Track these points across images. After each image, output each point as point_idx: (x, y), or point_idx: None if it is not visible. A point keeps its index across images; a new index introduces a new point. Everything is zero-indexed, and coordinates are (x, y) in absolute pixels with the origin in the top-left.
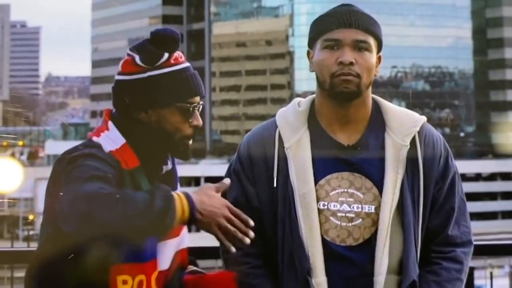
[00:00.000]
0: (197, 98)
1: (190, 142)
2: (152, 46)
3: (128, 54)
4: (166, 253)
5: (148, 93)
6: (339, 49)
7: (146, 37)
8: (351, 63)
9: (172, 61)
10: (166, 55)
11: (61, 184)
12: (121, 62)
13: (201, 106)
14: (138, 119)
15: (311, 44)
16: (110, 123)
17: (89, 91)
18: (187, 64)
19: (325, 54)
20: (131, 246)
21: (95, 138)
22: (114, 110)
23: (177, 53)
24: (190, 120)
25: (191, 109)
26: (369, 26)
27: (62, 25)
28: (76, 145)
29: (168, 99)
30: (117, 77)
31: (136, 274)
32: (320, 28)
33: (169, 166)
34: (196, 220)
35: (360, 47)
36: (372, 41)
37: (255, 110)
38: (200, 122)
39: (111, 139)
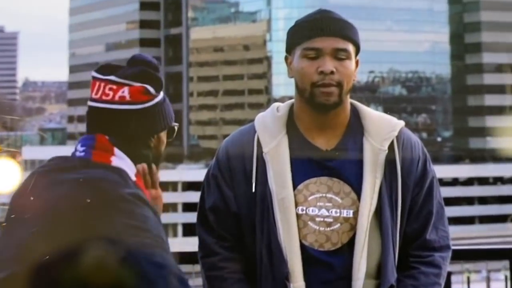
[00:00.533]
0: None
1: None
2: (156, 73)
3: (124, 84)
4: None
5: (158, 119)
6: (319, 58)
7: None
8: (332, 72)
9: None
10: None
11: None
12: (124, 92)
13: None
14: (145, 146)
15: (289, 50)
16: (115, 149)
17: (66, 96)
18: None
19: (305, 63)
20: None
21: (113, 163)
22: (109, 137)
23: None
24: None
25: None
26: (349, 33)
27: (39, 30)
28: (104, 170)
29: (169, 121)
30: (124, 106)
31: None
32: (299, 35)
33: None
34: None
35: (340, 56)
36: (351, 48)
37: (232, 115)
38: None
39: (127, 166)
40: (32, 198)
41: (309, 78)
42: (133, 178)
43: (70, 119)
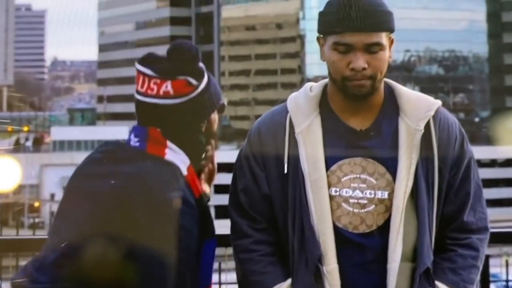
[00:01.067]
0: None
1: None
2: (196, 64)
3: (166, 79)
4: None
5: (205, 106)
6: (350, 53)
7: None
8: (364, 68)
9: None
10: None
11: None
12: (167, 87)
13: None
14: (197, 132)
15: (322, 33)
16: (168, 142)
17: (95, 76)
18: None
19: (336, 57)
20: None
21: (167, 157)
22: (161, 130)
23: None
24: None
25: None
26: (381, 24)
27: (67, 8)
28: (157, 165)
29: (216, 103)
30: (168, 101)
31: None
32: (330, 26)
33: None
34: None
35: (372, 50)
36: (384, 37)
37: (265, 95)
38: None
39: (180, 160)
40: (86, 186)
41: (340, 72)
42: (185, 172)
43: (100, 99)
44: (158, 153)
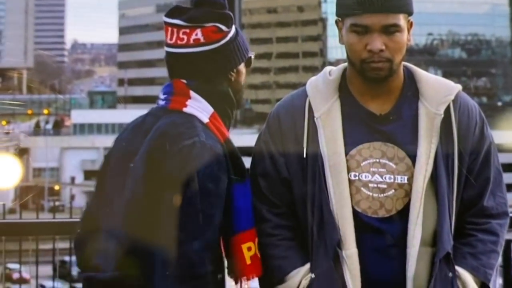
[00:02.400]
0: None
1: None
2: (224, 10)
3: (196, 26)
4: None
5: (234, 54)
6: (367, 34)
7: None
8: (381, 50)
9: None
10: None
11: (180, 192)
12: (197, 35)
13: None
14: (225, 82)
15: (339, 16)
16: (191, 92)
17: (116, 59)
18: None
19: (353, 39)
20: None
21: (186, 109)
22: (187, 81)
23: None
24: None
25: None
26: (398, 5)
27: None
28: (174, 120)
29: (245, 53)
30: (199, 49)
31: (255, 238)
32: (347, 7)
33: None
34: None
35: (390, 31)
36: (402, 19)
37: (286, 78)
38: None
39: (202, 108)
40: (123, 147)
41: (358, 55)
42: (205, 120)
43: (120, 82)
44: (179, 107)
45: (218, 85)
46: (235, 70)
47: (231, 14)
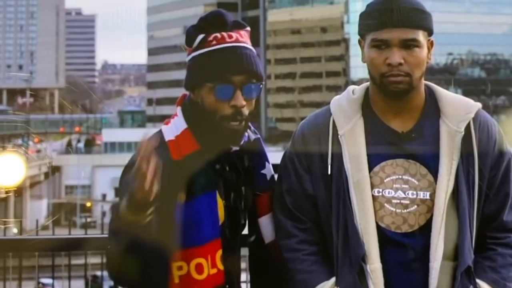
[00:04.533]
0: (239, 78)
1: (235, 123)
2: (192, 29)
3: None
4: (266, 228)
5: (189, 74)
6: (387, 49)
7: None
8: (400, 64)
9: (211, 42)
10: (200, 36)
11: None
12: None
13: (253, 86)
14: (193, 101)
15: (361, 35)
16: (178, 109)
17: (145, 79)
18: (231, 44)
19: (374, 54)
20: (186, 232)
21: (163, 127)
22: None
23: (223, 34)
24: (229, 100)
25: (225, 88)
26: (417, 21)
27: (117, 13)
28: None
29: (200, 78)
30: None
31: (191, 258)
32: (368, 24)
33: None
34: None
35: (408, 45)
36: (421, 35)
37: (310, 97)
38: (240, 102)
39: (176, 126)
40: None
41: (378, 69)
42: (167, 138)
43: (149, 101)
44: (166, 123)
45: (191, 102)
46: (195, 92)
47: (197, 34)
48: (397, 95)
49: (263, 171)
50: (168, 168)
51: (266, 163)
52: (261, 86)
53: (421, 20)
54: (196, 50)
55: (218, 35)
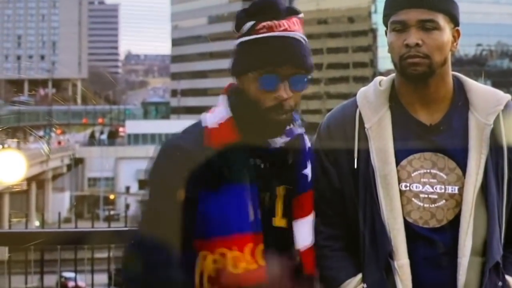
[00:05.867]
0: (285, 69)
1: (278, 116)
2: (243, 14)
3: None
4: (301, 232)
5: (235, 60)
6: (405, 31)
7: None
8: (417, 45)
9: (260, 30)
10: (249, 23)
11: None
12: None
13: (299, 78)
14: (239, 89)
15: (385, 23)
16: (221, 97)
17: (169, 70)
18: (280, 33)
19: (393, 37)
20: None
21: (204, 115)
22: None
23: (274, 23)
24: (273, 92)
25: (269, 79)
26: (436, 3)
27: (140, 2)
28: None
29: (245, 66)
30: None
31: (215, 248)
32: (388, 9)
33: (282, 140)
34: None
35: (427, 26)
36: (441, 18)
37: (337, 88)
38: (285, 95)
39: (220, 114)
40: None
41: (397, 52)
42: (204, 124)
43: (173, 93)
44: (211, 111)
45: (236, 90)
46: (239, 80)
47: (246, 21)
48: (417, 79)
49: (304, 171)
50: (201, 155)
51: (308, 163)
52: (308, 78)
53: (441, 3)
54: (244, 36)
55: (269, 23)
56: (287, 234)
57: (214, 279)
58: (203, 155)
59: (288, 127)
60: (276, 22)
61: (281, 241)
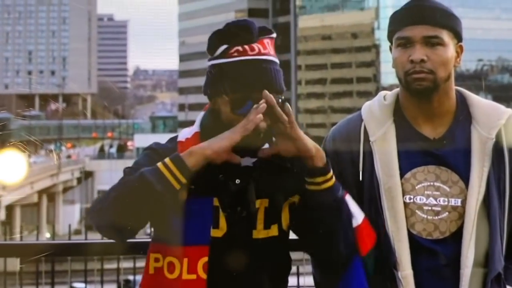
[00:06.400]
0: (257, 93)
1: (253, 139)
2: (216, 37)
3: None
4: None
5: (208, 82)
6: (410, 47)
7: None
8: (423, 60)
9: (233, 54)
10: (223, 47)
11: None
12: None
13: (269, 101)
14: (210, 108)
15: (389, 39)
16: (201, 113)
17: (177, 85)
18: (252, 57)
19: (398, 53)
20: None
21: (184, 129)
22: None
23: (246, 48)
24: (246, 115)
25: (242, 103)
26: (440, 19)
27: (149, 19)
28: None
29: (217, 89)
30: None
31: (166, 255)
32: (393, 25)
33: (252, 160)
34: (195, 163)
35: (431, 42)
36: (445, 34)
37: (341, 103)
38: (257, 120)
39: (191, 130)
40: None
41: (402, 67)
42: (180, 139)
43: (181, 107)
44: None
45: (208, 109)
46: (212, 100)
47: (219, 44)
48: (421, 94)
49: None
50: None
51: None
52: (281, 99)
53: (444, 20)
54: (216, 58)
55: (240, 48)
56: (275, 244)
57: (152, 277)
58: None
59: (262, 146)
60: (247, 46)
61: (267, 252)
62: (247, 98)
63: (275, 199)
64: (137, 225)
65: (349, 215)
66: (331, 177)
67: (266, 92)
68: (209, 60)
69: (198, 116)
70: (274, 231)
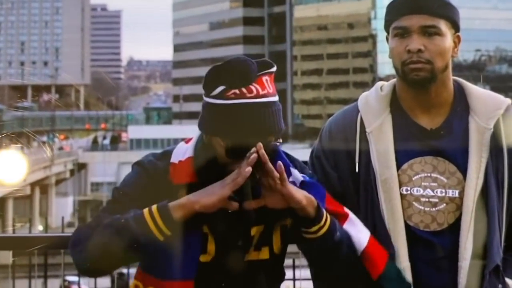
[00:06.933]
0: (254, 140)
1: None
2: (213, 76)
3: None
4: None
5: (204, 119)
6: (407, 37)
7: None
8: (420, 50)
9: (230, 96)
10: (220, 88)
11: None
12: None
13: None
14: (204, 140)
15: (386, 29)
16: (196, 135)
17: (171, 75)
18: (250, 101)
19: (395, 42)
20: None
21: (180, 144)
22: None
23: (243, 90)
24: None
25: (236, 151)
26: (438, 9)
27: (142, 9)
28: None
29: (213, 130)
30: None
31: (147, 285)
32: (390, 15)
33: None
34: (182, 215)
35: (429, 32)
36: (443, 24)
37: (337, 94)
38: (247, 174)
39: (185, 150)
40: None
41: (399, 57)
42: (173, 160)
43: (175, 98)
44: (186, 142)
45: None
46: (205, 135)
47: (216, 85)
48: (419, 84)
49: (290, 179)
50: (159, 186)
51: (291, 169)
52: (278, 142)
53: (442, 9)
54: (213, 97)
55: (237, 91)
56: (265, 266)
57: None
58: (164, 187)
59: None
60: (245, 89)
61: (257, 272)
62: (242, 147)
63: (268, 224)
64: (119, 266)
65: (352, 246)
66: (326, 221)
67: (261, 145)
68: (205, 96)
69: (194, 136)
70: (265, 254)
